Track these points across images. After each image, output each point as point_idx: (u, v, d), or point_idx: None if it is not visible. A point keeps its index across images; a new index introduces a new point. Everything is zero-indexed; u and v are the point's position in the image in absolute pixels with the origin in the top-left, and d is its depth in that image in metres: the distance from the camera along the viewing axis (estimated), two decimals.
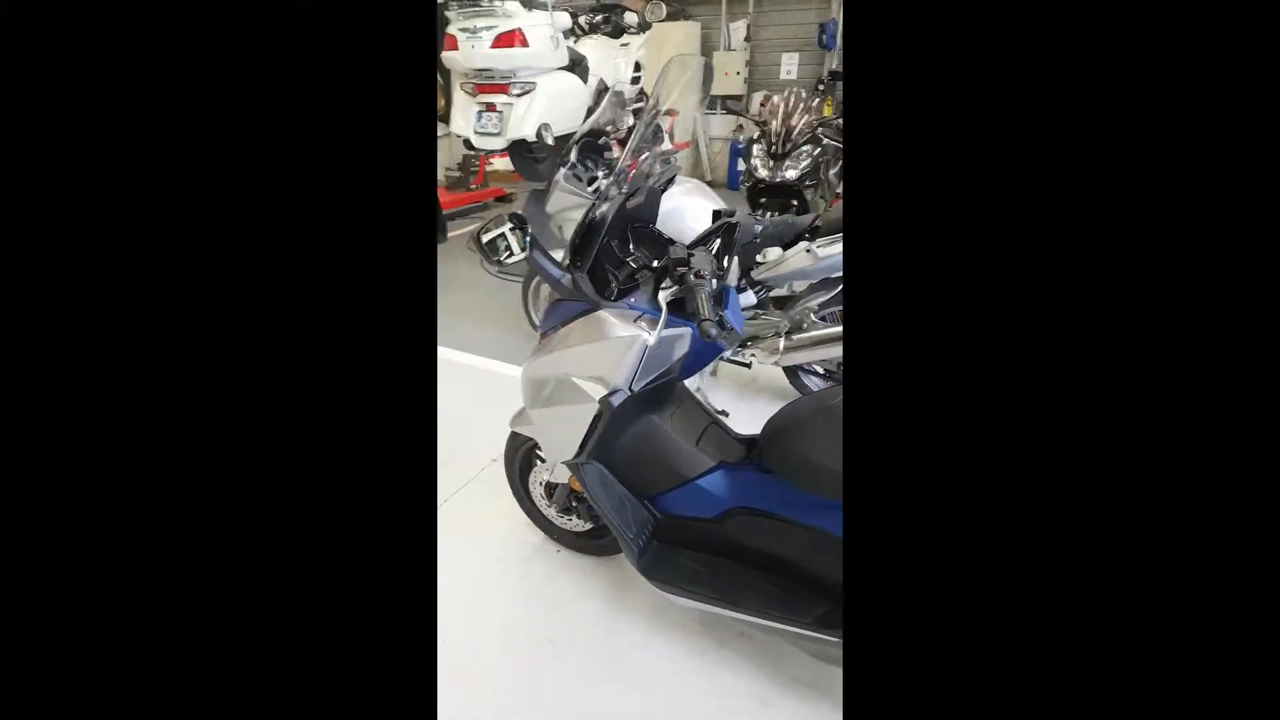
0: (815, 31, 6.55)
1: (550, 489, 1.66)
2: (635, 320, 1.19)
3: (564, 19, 3.45)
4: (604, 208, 1.25)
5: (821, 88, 6.52)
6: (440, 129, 3.99)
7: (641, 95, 4.89)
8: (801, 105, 3.49)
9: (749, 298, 2.36)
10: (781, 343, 2.24)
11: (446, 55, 3.28)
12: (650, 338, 1.16)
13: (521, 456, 1.63)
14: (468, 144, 3.53)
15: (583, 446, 1.29)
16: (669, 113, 1.41)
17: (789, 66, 6.92)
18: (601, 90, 4.22)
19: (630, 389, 1.21)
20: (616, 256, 1.28)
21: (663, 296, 1.17)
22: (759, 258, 2.21)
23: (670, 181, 1.38)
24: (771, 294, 2.45)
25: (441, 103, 4.18)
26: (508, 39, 3.14)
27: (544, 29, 3.27)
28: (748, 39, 6.89)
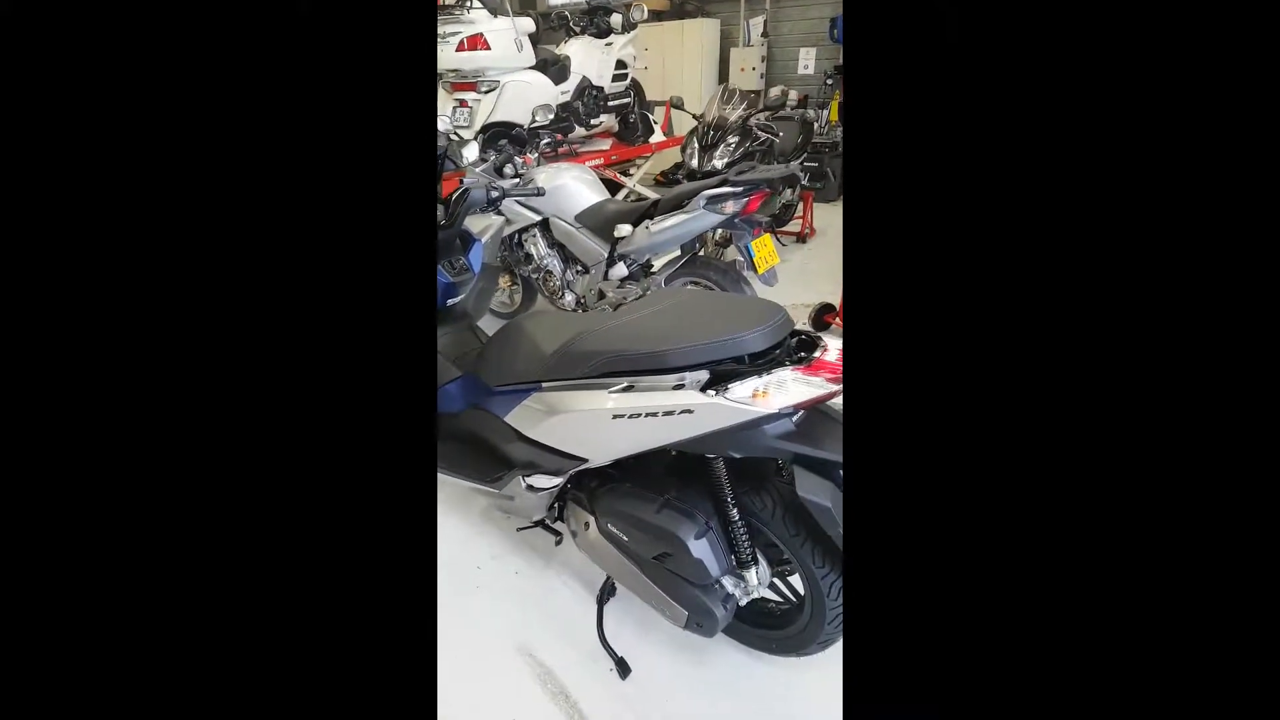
0: (828, 26, 6.68)
1: None
2: None
3: (526, 23, 3.90)
4: None
5: (829, 81, 6.66)
6: None
7: (628, 91, 5.29)
8: (735, 100, 3.80)
9: (620, 270, 2.76)
10: None
11: None
12: None
13: None
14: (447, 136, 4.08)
15: None
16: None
17: (806, 61, 7.06)
18: (584, 87, 4.66)
19: None
20: None
21: None
22: (615, 233, 2.61)
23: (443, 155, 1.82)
24: (650, 269, 2.84)
25: None
26: (471, 43, 3.65)
27: (506, 33, 3.75)
28: (764, 35, 7.09)
